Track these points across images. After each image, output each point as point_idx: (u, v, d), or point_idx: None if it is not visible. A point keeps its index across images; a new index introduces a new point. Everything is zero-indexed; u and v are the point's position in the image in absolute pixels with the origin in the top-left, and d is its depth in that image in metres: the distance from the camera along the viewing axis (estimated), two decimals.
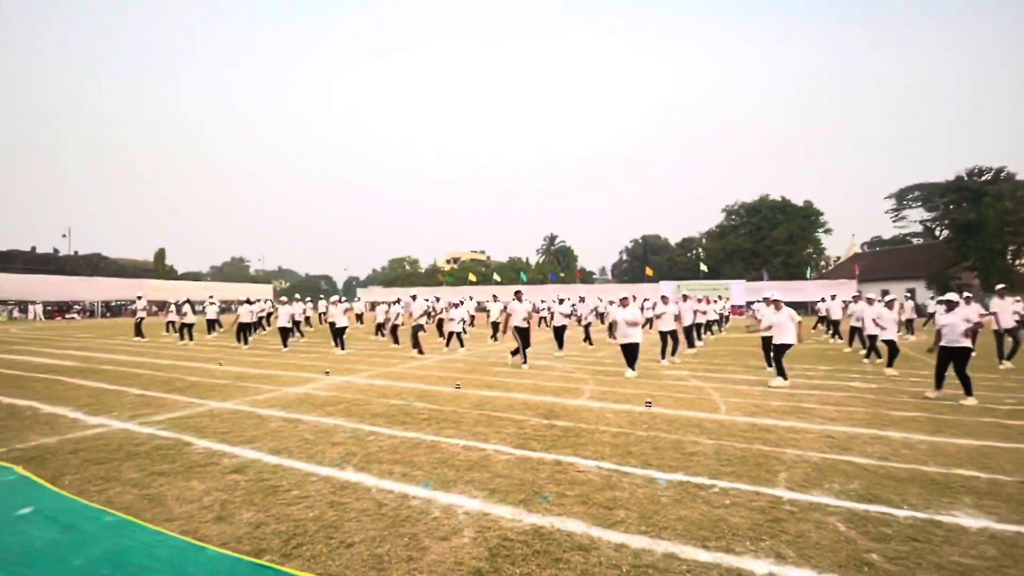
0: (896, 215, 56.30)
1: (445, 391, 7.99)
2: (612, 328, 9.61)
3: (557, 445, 5.04)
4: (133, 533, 3.17)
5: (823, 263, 67.48)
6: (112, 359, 12.52)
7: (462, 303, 15.15)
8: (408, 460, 4.58)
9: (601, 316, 23.59)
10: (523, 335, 10.85)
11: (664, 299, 12.18)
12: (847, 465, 4.46)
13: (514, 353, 11.19)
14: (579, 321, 17.01)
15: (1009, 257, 39.22)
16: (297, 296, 18.99)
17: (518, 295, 11.46)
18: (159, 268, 68.99)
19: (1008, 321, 10.67)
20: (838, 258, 71.16)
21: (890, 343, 9.96)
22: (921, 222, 54.37)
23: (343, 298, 15.53)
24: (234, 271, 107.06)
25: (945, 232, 47.82)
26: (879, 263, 54.45)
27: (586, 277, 75.68)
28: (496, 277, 62.48)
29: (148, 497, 3.73)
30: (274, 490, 3.86)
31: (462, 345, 14.42)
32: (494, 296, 19.34)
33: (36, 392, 7.96)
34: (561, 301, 12.91)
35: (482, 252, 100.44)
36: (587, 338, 15.73)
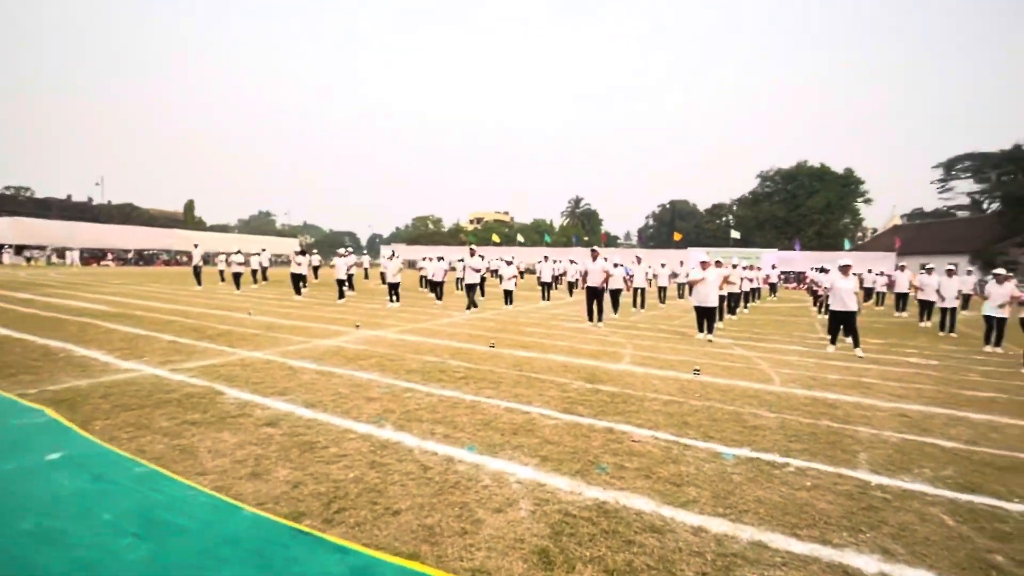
0: (943, 186, 53.51)
1: (479, 350, 7.70)
2: (690, 289, 9.50)
3: (606, 411, 4.70)
4: (164, 487, 2.95)
5: (860, 234, 64.93)
6: (145, 305, 12.56)
7: (511, 262, 14.93)
8: (449, 420, 4.30)
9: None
10: (594, 295, 10.40)
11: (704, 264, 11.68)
12: (932, 448, 4.03)
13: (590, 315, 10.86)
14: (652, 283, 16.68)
15: None
16: (351, 249, 19.05)
17: (594, 253, 10.86)
18: (188, 219, 70.15)
19: None
20: (874, 230, 68.24)
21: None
22: (969, 194, 51.52)
23: (396, 254, 15.47)
24: (261, 224, 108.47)
25: (995, 205, 45.25)
26: (920, 236, 51.90)
27: (611, 241, 74.39)
28: (519, 238, 61.72)
29: (179, 448, 3.52)
30: (310, 446, 3.62)
31: (511, 302, 14.59)
32: (545, 256, 18.89)
33: (71, 335, 7.93)
34: (616, 265, 12.53)
35: (506, 213, 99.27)
36: (641, 302, 15.34)
